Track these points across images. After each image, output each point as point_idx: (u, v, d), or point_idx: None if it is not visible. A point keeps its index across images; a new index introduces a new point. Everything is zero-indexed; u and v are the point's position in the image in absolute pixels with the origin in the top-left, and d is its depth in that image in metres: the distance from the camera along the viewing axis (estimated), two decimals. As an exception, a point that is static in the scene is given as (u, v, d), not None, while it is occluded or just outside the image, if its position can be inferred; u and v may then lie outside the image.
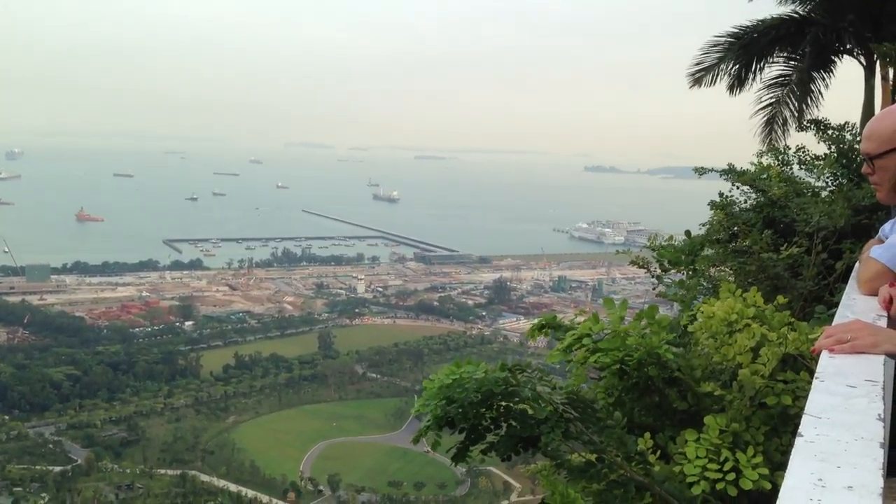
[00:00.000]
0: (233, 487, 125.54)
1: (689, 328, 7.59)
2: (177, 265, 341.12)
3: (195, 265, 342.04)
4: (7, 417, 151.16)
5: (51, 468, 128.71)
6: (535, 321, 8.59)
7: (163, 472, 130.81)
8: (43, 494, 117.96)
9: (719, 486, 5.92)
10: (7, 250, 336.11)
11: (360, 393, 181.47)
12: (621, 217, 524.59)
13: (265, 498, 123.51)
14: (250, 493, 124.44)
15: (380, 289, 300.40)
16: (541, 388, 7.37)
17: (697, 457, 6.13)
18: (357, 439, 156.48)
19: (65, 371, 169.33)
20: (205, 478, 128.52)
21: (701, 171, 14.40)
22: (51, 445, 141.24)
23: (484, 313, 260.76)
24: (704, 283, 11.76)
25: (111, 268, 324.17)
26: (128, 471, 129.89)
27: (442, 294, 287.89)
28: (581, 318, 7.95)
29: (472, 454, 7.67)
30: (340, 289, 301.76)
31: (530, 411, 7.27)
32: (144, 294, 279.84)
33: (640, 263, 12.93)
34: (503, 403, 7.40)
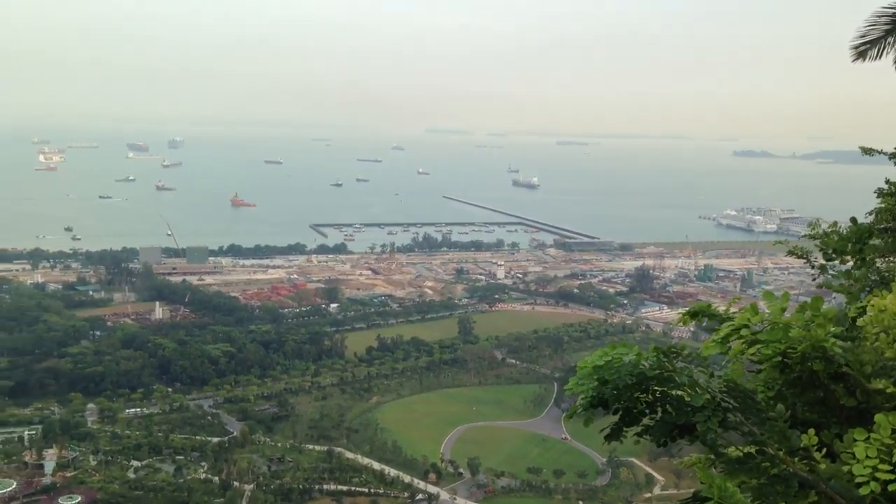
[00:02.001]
0: (376, 465, 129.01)
1: (859, 321, 7.48)
2: (322, 249, 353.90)
3: (340, 249, 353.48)
4: (170, 390, 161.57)
5: (209, 439, 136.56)
6: (687, 309, 8.45)
7: (311, 447, 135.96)
8: (202, 463, 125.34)
9: (891, 487, 5.76)
10: (170, 233, 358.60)
11: (500, 378, 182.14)
12: (773, 203, 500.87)
13: (406, 477, 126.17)
14: (392, 472, 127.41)
15: (519, 275, 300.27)
16: (697, 374, 7.31)
17: (867, 457, 5.99)
18: (496, 424, 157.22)
19: (221, 348, 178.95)
20: (350, 455, 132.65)
21: (868, 152, 13.34)
22: (209, 417, 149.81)
23: (625, 301, 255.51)
24: (872, 276, 11.01)
25: (262, 251, 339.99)
26: (279, 444, 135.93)
27: (582, 281, 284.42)
28: (735, 308, 7.89)
29: (626, 435, 7.81)
30: (480, 274, 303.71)
31: (686, 398, 7.27)
32: (293, 276, 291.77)
33: (799, 253, 12.23)
34: (658, 388, 7.45)
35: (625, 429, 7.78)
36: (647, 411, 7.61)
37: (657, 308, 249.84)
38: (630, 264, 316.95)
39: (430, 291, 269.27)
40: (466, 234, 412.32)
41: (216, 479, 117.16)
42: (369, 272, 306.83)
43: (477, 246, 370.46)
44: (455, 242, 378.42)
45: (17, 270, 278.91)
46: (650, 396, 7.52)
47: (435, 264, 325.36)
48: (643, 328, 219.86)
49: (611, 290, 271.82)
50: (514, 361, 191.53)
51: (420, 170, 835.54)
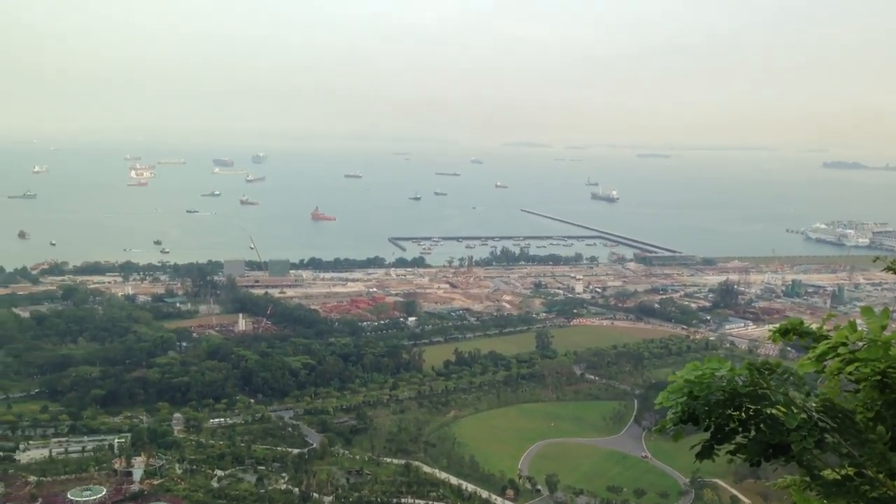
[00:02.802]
0: (453, 480, 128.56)
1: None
2: (401, 262, 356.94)
3: (418, 262, 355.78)
4: (252, 401, 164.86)
5: (290, 450, 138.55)
6: (777, 325, 8.15)
7: (388, 460, 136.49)
8: (283, 474, 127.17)
9: None
10: (253, 246, 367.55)
11: (578, 394, 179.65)
12: (866, 217, 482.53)
13: (484, 493, 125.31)
14: (470, 487, 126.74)
15: (598, 289, 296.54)
16: (793, 392, 7.02)
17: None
18: (575, 441, 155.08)
19: (302, 360, 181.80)
20: (427, 469, 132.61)
21: None
22: (290, 429, 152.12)
23: (708, 317, 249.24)
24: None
25: (342, 264, 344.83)
26: (357, 457, 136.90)
27: (663, 296, 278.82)
28: (830, 325, 7.59)
29: (717, 453, 7.58)
30: (558, 288, 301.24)
31: (781, 417, 6.96)
32: (372, 290, 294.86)
33: (897, 268, 11.41)
34: (751, 406, 7.16)
35: (716, 446, 7.52)
36: (740, 429, 7.35)
37: (742, 325, 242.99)
38: (713, 279, 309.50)
39: (507, 305, 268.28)
40: (544, 247, 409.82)
41: (296, 490, 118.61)
42: (447, 286, 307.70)
43: (555, 260, 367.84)
44: (533, 256, 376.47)
45: (109, 282, 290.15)
46: (743, 414, 7.28)
47: (513, 278, 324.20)
48: (727, 345, 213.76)
49: (693, 306, 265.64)
50: (592, 377, 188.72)
51: (498, 183, 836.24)
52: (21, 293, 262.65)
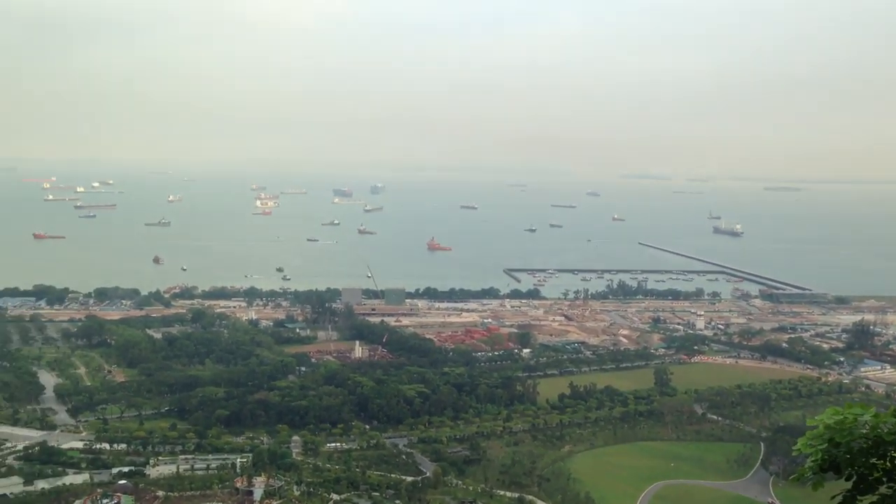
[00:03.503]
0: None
1: None
2: (515, 293, 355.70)
3: (532, 294, 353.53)
4: (368, 427, 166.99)
5: (403, 477, 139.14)
6: None
7: (502, 493, 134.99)
8: (397, 501, 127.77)
9: None
10: (370, 275, 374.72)
11: (700, 434, 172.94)
12: None
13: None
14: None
15: (721, 326, 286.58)
16: None
17: None
18: (696, 483, 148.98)
19: (416, 388, 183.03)
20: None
21: None
22: (404, 456, 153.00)
23: (842, 359, 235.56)
24: None
25: (457, 294, 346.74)
26: (470, 488, 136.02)
27: (792, 335, 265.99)
28: None
29: None
30: (678, 324, 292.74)
31: None
32: (486, 320, 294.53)
33: None
34: None
35: (858, 497, 7.21)
36: (885, 479, 7.09)
37: (879, 367, 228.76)
38: (847, 318, 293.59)
39: (624, 340, 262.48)
40: (663, 282, 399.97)
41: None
42: (562, 318, 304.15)
43: (674, 295, 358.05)
44: (651, 290, 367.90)
45: (234, 307, 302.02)
46: (888, 463, 7.08)
47: (630, 312, 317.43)
48: (863, 389, 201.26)
49: (825, 346, 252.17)
50: (715, 417, 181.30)
51: (615, 216, 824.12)
52: (154, 315, 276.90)
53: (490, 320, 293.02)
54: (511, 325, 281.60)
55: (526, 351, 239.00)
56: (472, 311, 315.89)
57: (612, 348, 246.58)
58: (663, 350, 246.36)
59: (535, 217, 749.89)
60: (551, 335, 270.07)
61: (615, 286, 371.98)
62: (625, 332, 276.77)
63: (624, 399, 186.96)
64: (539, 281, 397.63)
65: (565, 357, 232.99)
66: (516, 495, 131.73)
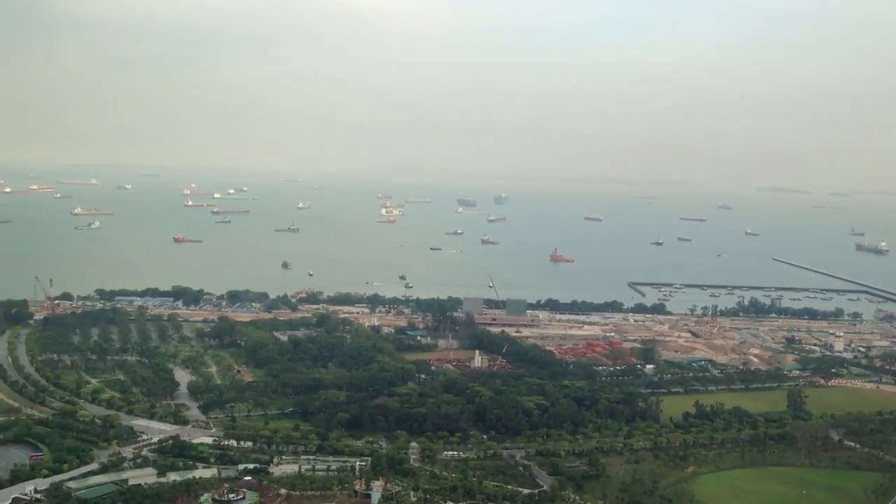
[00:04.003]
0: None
1: None
2: (639, 308, 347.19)
3: (657, 309, 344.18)
4: (485, 437, 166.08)
5: (520, 489, 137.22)
6: None
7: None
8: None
9: None
10: (492, 285, 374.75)
11: (835, 461, 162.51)
12: None
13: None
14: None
15: (861, 348, 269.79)
16: None
17: None
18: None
19: (535, 400, 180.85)
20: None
21: None
22: (521, 468, 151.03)
23: None
24: None
25: (579, 306, 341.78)
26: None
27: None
28: None
29: None
30: (814, 345, 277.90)
31: None
32: (608, 334, 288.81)
33: None
34: None
35: None
36: None
37: None
38: None
39: (755, 359, 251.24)
40: (799, 300, 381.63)
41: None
42: (688, 334, 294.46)
43: (811, 314, 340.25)
44: (785, 309, 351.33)
45: (357, 313, 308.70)
46: None
47: (761, 331, 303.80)
48: None
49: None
50: (853, 444, 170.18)
51: (748, 230, 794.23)
52: (282, 318, 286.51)
53: (612, 334, 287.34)
54: (634, 340, 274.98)
55: (649, 367, 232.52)
56: (594, 324, 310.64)
57: (741, 367, 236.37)
58: (797, 371, 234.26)
59: (662, 230, 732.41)
60: (676, 352, 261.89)
61: (746, 303, 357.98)
62: (756, 351, 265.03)
63: (753, 421, 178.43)
64: (665, 295, 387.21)
65: (691, 375, 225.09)
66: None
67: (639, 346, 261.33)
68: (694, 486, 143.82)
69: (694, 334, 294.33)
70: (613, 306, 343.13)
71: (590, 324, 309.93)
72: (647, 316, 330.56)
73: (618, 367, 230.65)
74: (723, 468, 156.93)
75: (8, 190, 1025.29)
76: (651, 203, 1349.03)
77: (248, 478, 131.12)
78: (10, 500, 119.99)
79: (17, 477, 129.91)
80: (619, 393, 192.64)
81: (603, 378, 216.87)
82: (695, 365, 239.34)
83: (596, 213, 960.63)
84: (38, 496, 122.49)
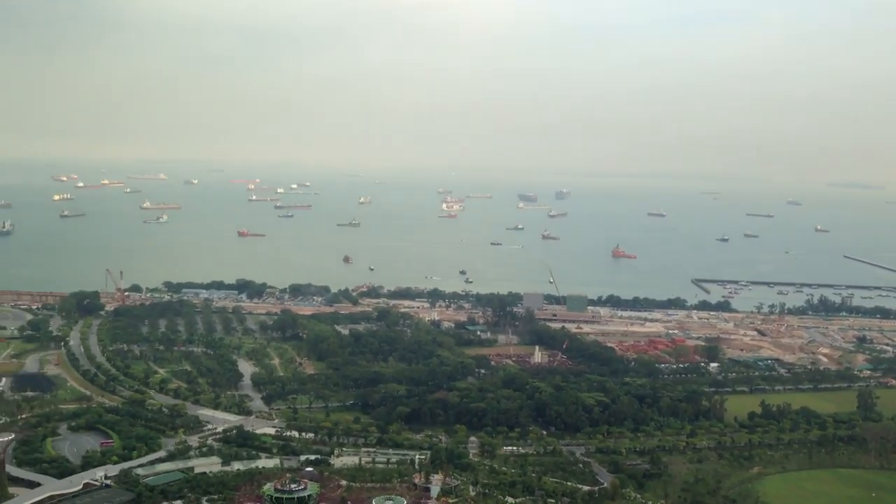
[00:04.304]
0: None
1: None
2: (704, 305, 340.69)
3: (722, 306, 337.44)
4: (544, 433, 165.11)
5: (579, 486, 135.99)
6: None
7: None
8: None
9: None
10: (552, 281, 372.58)
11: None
12: None
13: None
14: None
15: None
16: None
17: None
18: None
19: (595, 397, 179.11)
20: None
21: None
22: (580, 465, 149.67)
23: None
24: None
25: (641, 303, 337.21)
26: (649, 503, 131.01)
27: None
28: None
29: None
30: (886, 345, 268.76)
31: None
32: (671, 331, 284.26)
33: None
34: None
35: None
36: None
37: None
38: None
39: (824, 359, 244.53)
40: (871, 298, 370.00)
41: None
42: (754, 333, 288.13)
43: (884, 313, 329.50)
44: (856, 307, 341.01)
45: (417, 307, 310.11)
46: None
47: (831, 330, 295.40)
48: None
49: None
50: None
51: (818, 227, 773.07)
52: (343, 312, 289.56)
53: (675, 331, 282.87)
54: (698, 338, 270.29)
55: (713, 365, 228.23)
56: (657, 321, 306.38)
57: (809, 367, 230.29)
58: (868, 372, 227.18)
59: (727, 226, 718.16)
60: (741, 350, 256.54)
61: (815, 301, 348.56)
62: (825, 350, 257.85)
63: (822, 422, 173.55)
64: (730, 293, 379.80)
65: (757, 374, 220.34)
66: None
67: (703, 343, 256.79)
68: (759, 487, 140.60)
69: (760, 332, 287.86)
70: (676, 303, 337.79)
71: (652, 321, 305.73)
72: (712, 313, 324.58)
73: (681, 365, 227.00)
74: (789, 469, 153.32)
75: (81, 185, 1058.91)
76: (716, 199, 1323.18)
77: (309, 468, 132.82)
78: (81, 485, 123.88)
79: (88, 463, 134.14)
80: (682, 391, 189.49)
81: (665, 376, 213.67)
82: (761, 364, 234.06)
83: (659, 208, 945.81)
84: (109, 482, 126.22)
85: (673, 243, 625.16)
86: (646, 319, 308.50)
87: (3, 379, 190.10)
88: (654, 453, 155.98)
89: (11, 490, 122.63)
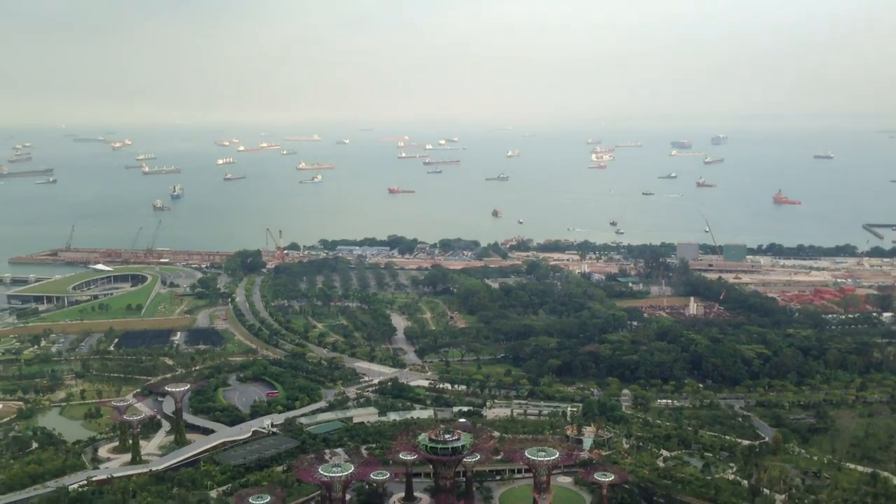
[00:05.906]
0: None
1: None
2: (876, 251, 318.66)
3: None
4: (701, 386, 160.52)
5: (739, 440, 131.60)
6: None
7: (852, 466, 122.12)
8: (731, 464, 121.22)
9: None
10: (708, 230, 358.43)
11: None
12: None
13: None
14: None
15: None
16: None
17: None
18: None
19: (755, 349, 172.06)
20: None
21: None
22: (740, 419, 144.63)
23: None
24: None
25: (805, 251, 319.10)
26: (815, 458, 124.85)
27: None
28: None
29: None
30: None
31: None
32: (839, 280, 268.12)
33: None
34: None
35: None
36: None
37: None
38: None
39: None
40: None
41: (745, 482, 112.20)
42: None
43: None
44: None
45: (567, 260, 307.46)
46: None
47: None
48: None
49: None
50: None
51: None
52: (492, 266, 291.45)
53: (844, 280, 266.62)
54: (869, 286, 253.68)
55: (887, 315, 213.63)
56: (823, 269, 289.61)
57: None
58: None
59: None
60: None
61: None
62: None
63: None
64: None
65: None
66: (869, 470, 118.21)
67: (875, 292, 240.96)
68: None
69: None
70: (845, 250, 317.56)
71: (818, 269, 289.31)
72: (885, 260, 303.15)
73: (850, 315, 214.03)
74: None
75: (242, 149, 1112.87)
76: (893, 137, 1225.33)
77: (462, 420, 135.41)
78: (251, 433, 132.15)
79: (256, 412, 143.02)
80: (852, 342, 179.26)
81: (833, 327, 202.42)
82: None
83: (826, 150, 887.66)
84: (275, 430, 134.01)
85: (841, 187, 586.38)
86: (811, 268, 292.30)
87: (179, 333, 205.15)
88: (820, 407, 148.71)
89: (189, 437, 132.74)
